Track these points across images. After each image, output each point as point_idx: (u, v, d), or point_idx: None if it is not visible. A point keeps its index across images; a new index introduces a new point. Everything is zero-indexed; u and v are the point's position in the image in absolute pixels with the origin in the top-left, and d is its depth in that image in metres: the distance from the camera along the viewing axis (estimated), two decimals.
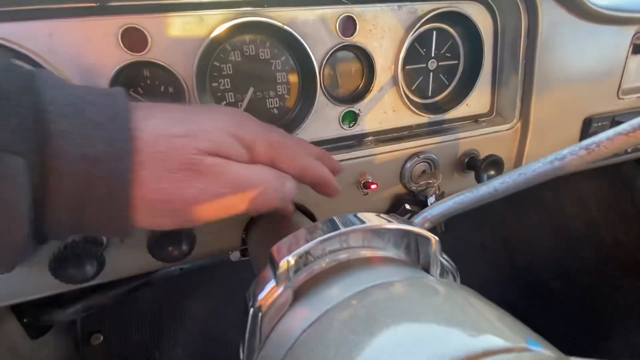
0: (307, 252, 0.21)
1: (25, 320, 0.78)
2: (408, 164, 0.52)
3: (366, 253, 0.22)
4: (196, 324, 1.15)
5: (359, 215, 0.23)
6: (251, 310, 0.19)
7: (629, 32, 0.60)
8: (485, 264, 1.34)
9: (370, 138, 0.52)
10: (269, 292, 0.19)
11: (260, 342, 0.19)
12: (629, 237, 1.16)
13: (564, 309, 1.21)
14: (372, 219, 0.22)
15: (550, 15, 0.52)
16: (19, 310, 0.77)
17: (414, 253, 0.23)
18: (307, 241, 0.20)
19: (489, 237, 1.34)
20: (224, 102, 0.46)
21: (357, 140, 0.52)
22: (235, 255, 0.72)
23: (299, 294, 0.20)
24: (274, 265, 0.19)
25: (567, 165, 0.24)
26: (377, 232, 0.24)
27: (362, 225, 0.21)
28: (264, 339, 0.19)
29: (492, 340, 0.13)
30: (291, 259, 0.19)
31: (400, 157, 0.52)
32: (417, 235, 0.22)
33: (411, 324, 0.14)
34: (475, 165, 0.54)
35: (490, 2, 0.52)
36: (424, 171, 0.54)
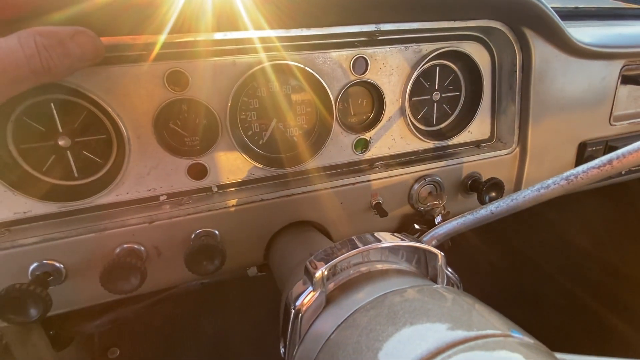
0: (335, 265, 0.26)
1: (51, 332, 0.83)
2: (415, 186, 0.57)
3: (384, 266, 0.26)
4: (209, 338, 1.18)
5: (376, 234, 0.28)
6: (293, 311, 0.23)
7: (617, 65, 0.65)
8: (493, 282, 1.36)
9: (380, 163, 0.58)
10: (307, 296, 0.23)
11: (300, 337, 0.23)
12: (636, 256, 1.17)
13: (571, 327, 1.22)
14: (388, 238, 0.27)
15: (542, 52, 0.58)
16: (47, 322, 0.81)
17: (424, 266, 0.28)
18: (337, 256, 0.25)
19: (498, 256, 1.37)
20: (250, 132, 0.51)
21: (369, 165, 0.57)
22: (252, 271, 0.77)
23: (330, 299, 0.24)
24: (310, 275, 0.24)
25: (551, 193, 0.28)
26: (392, 249, 0.28)
27: (381, 244, 0.26)
28: (304, 334, 0.23)
29: (484, 329, 0.17)
30: (325, 270, 0.23)
31: (408, 180, 0.57)
32: (426, 251, 0.27)
33: (422, 317, 0.18)
34: (478, 187, 0.58)
35: (488, 41, 0.58)
36: (430, 193, 0.59)
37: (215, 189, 0.50)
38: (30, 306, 0.38)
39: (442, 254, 0.26)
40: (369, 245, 0.26)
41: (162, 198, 0.48)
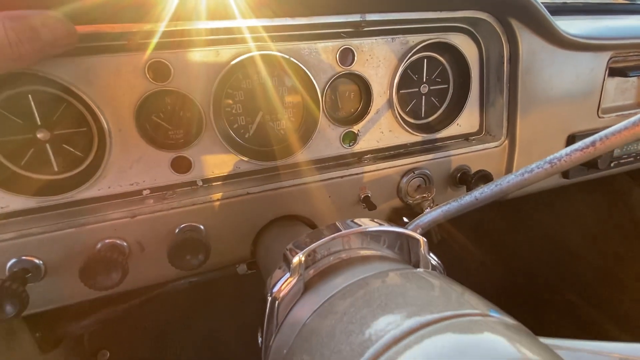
0: (314, 252, 0.25)
1: (37, 334, 0.81)
2: (404, 179, 0.57)
3: (364, 252, 0.26)
4: (201, 338, 1.17)
5: (357, 220, 0.27)
6: (269, 299, 0.23)
7: (604, 57, 0.65)
8: (482, 281, 1.35)
9: (368, 156, 0.57)
10: (284, 283, 0.23)
11: (277, 326, 0.22)
12: (628, 251, 1.18)
13: (564, 323, 1.22)
14: (369, 224, 0.26)
15: (530, 44, 0.57)
16: (32, 323, 0.79)
17: (406, 253, 0.27)
18: (314, 242, 0.24)
19: (488, 255, 1.37)
20: (236, 125, 0.51)
21: (357, 158, 0.57)
22: (242, 269, 0.76)
23: (308, 286, 0.23)
24: (288, 262, 0.23)
25: (535, 177, 0.28)
26: (374, 236, 0.28)
27: (361, 228, 0.25)
28: (280, 323, 0.22)
29: (462, 309, 0.16)
30: (302, 256, 0.23)
31: (396, 173, 0.56)
32: (409, 238, 0.26)
33: (398, 299, 0.18)
34: (467, 180, 0.58)
35: (475, 32, 0.58)
36: (419, 186, 0.58)
37: (200, 183, 0.49)
38: (5, 303, 0.36)
39: (424, 239, 0.26)
40: (349, 230, 0.25)
41: (145, 192, 0.47)
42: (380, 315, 0.17)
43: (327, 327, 0.18)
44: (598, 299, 1.17)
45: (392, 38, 0.53)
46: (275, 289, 0.23)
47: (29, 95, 0.41)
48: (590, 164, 0.65)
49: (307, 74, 0.49)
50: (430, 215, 0.31)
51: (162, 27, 0.41)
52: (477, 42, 0.59)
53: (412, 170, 0.57)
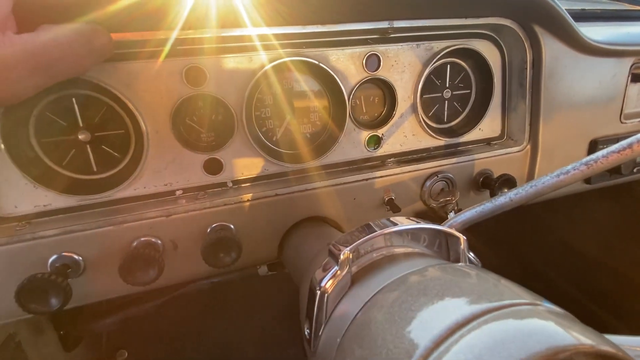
0: (357, 249, 0.26)
1: (61, 332, 0.83)
2: (428, 183, 0.57)
3: (406, 250, 0.27)
4: (217, 342, 1.18)
5: (393, 219, 0.28)
6: (318, 292, 0.24)
7: (626, 63, 0.65)
8: None
9: (392, 159, 0.58)
10: (333, 277, 0.24)
11: (326, 317, 0.23)
12: None
13: None
14: (408, 222, 0.27)
15: (553, 50, 0.58)
16: (57, 321, 0.81)
17: (445, 251, 0.28)
18: (359, 239, 0.25)
19: (505, 261, 1.36)
20: (264, 129, 0.52)
21: (381, 161, 0.58)
22: (263, 270, 0.77)
23: (354, 280, 0.24)
24: (335, 256, 0.24)
25: (571, 178, 0.29)
26: (414, 235, 0.29)
27: (404, 226, 0.26)
28: (329, 314, 0.23)
29: (515, 299, 0.17)
30: (350, 251, 0.24)
31: (420, 177, 0.57)
32: (448, 236, 0.27)
33: (454, 289, 0.19)
34: (490, 184, 0.58)
35: (498, 39, 0.59)
36: (442, 189, 0.59)
37: (230, 184, 0.51)
38: (51, 296, 0.38)
39: (465, 237, 0.27)
40: (396, 227, 0.26)
41: (178, 193, 0.49)
42: (439, 303, 0.18)
43: (383, 316, 0.19)
44: (617, 308, 1.15)
45: (417, 44, 0.54)
46: (323, 283, 0.24)
47: (73, 99, 0.43)
48: (614, 170, 0.65)
49: (334, 78, 0.50)
50: (464, 215, 0.32)
51: (197, 34, 0.43)
52: (500, 48, 0.60)
53: (435, 174, 0.58)
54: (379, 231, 0.25)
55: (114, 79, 0.43)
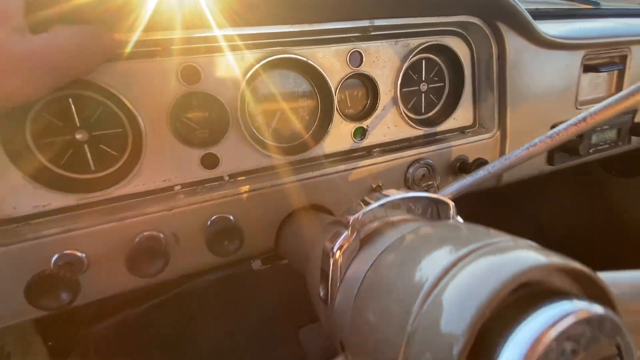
0: (360, 218, 0.29)
1: (50, 343, 0.81)
2: (410, 170, 0.62)
3: (405, 217, 0.30)
4: (211, 343, 1.17)
5: (385, 192, 0.32)
6: (332, 257, 0.27)
7: (578, 55, 0.73)
8: None
9: (377, 149, 0.62)
10: (345, 240, 0.27)
11: (340, 276, 0.26)
12: (605, 243, 1.27)
13: None
14: (403, 192, 0.31)
15: (515, 45, 0.64)
16: (45, 332, 0.79)
17: (437, 218, 0.32)
18: (364, 208, 0.28)
19: None
20: (257, 123, 0.55)
21: (367, 151, 0.62)
22: (256, 264, 0.79)
23: (362, 244, 0.28)
24: (344, 224, 0.27)
25: (537, 149, 0.33)
26: (408, 207, 0.32)
27: (404, 195, 0.30)
28: (343, 273, 0.26)
29: (503, 237, 0.21)
30: (360, 215, 0.27)
31: (403, 164, 0.62)
32: (438, 203, 0.31)
33: (455, 232, 0.22)
34: (466, 168, 0.64)
35: (467, 36, 0.65)
36: (424, 175, 0.63)
37: (227, 178, 0.53)
38: (61, 291, 0.39)
39: (453, 203, 0.30)
40: (393, 197, 0.29)
41: (176, 188, 0.50)
42: (438, 249, 0.21)
43: (391, 268, 0.23)
44: None
45: (396, 41, 0.59)
46: (336, 247, 0.27)
47: (70, 99, 0.44)
48: (572, 151, 0.72)
49: (322, 74, 0.53)
50: (452, 187, 0.36)
51: (192, 34, 0.45)
52: (469, 44, 0.66)
53: (416, 161, 0.62)
54: (382, 200, 0.29)
55: (112, 78, 0.44)
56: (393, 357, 0.21)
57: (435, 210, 0.32)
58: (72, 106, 0.44)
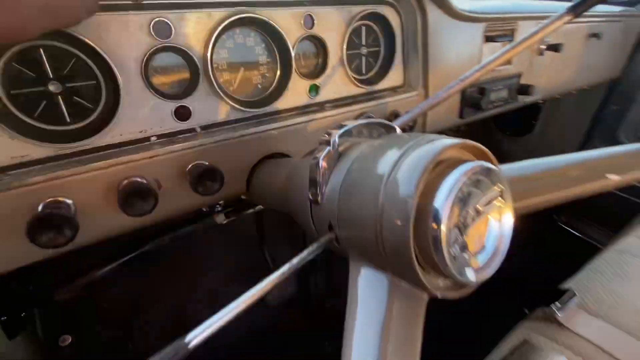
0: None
1: (3, 318, 0.78)
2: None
3: (364, 138, 0.41)
4: (168, 312, 1.20)
5: (347, 122, 0.42)
6: (320, 164, 0.36)
7: (481, 27, 0.90)
8: None
9: (329, 104, 0.72)
10: (327, 154, 0.36)
11: (326, 179, 0.36)
12: None
13: None
14: (360, 121, 0.41)
15: (434, 16, 0.78)
16: None
17: None
18: (339, 130, 0.38)
19: None
20: (222, 79, 0.60)
21: (320, 107, 0.71)
22: (220, 218, 0.85)
23: (340, 156, 0.37)
24: (326, 141, 0.37)
25: (454, 90, 0.46)
26: (369, 131, 0.43)
27: (366, 120, 0.40)
28: (328, 177, 0.36)
29: (435, 136, 0.33)
30: (337, 136, 0.37)
31: (351, 117, 0.72)
32: (387, 127, 0.42)
33: (399, 139, 0.33)
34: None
35: (398, 7, 0.76)
36: None
37: (199, 130, 0.58)
38: (62, 227, 0.42)
39: (399, 128, 0.42)
40: (360, 122, 0.40)
41: (152, 139, 0.54)
42: (393, 146, 0.32)
43: (364, 166, 0.33)
44: None
45: (341, 8, 0.68)
46: (322, 158, 0.36)
47: (41, 49, 0.45)
48: (477, 107, 0.91)
49: (281, 34, 0.60)
50: (402, 118, 0.47)
51: None
52: (399, 14, 0.77)
53: (361, 114, 0.74)
54: (349, 125, 0.39)
55: (86, 30, 0.46)
56: (372, 224, 0.31)
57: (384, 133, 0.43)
58: (44, 57, 0.45)
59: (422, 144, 0.32)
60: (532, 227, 1.97)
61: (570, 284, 0.88)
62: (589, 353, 0.68)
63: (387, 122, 0.42)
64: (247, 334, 1.18)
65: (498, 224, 0.31)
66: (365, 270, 0.32)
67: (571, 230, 2.00)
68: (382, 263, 0.31)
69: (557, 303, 0.77)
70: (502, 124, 1.98)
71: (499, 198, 0.31)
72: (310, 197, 0.38)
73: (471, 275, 0.29)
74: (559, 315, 0.75)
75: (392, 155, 0.32)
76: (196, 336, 0.27)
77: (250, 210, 0.88)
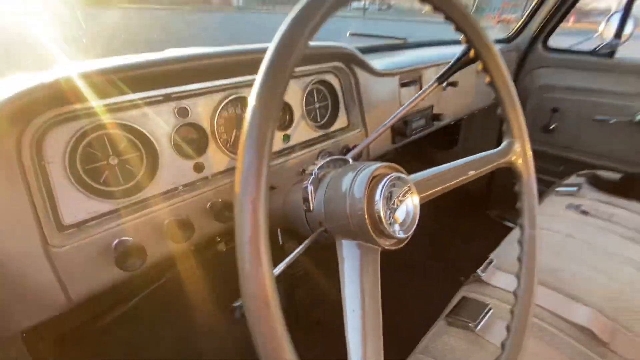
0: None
1: None
2: (319, 157, 0.99)
3: (332, 169, 0.66)
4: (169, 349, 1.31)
5: (318, 161, 0.68)
6: (309, 187, 0.60)
7: (396, 78, 1.24)
8: None
9: (297, 147, 0.97)
10: (312, 181, 0.61)
11: (314, 195, 0.60)
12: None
13: None
14: (327, 159, 0.67)
15: (362, 76, 1.09)
16: None
17: None
18: (316, 166, 0.63)
19: None
20: (222, 140, 0.83)
21: (291, 149, 0.96)
22: (221, 246, 1.05)
23: (318, 181, 0.62)
24: (310, 173, 0.61)
25: (386, 128, 0.74)
26: (333, 163, 0.69)
27: (332, 157, 0.66)
28: (314, 195, 0.60)
29: (373, 163, 0.59)
30: (316, 169, 0.61)
31: (315, 153, 0.99)
32: (344, 160, 0.68)
33: (351, 167, 0.59)
34: (349, 152, 1.05)
35: (337, 73, 1.06)
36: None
37: (210, 177, 0.80)
38: (137, 254, 0.61)
39: (350, 157, 0.68)
40: (327, 159, 0.65)
41: (180, 188, 0.75)
42: (348, 171, 0.58)
43: (335, 183, 0.58)
44: None
45: (298, 80, 0.96)
46: (309, 183, 0.60)
47: (104, 136, 0.66)
48: (403, 134, 1.23)
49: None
50: (356, 149, 0.74)
51: (183, 88, 0.72)
52: (339, 78, 1.08)
53: (322, 151, 1.00)
54: (321, 162, 0.64)
55: (134, 119, 0.67)
56: (345, 215, 0.56)
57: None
58: (106, 141, 0.66)
59: (365, 169, 0.58)
60: (471, 223, 2.35)
61: (492, 255, 1.19)
62: (502, 296, 0.97)
63: (342, 157, 0.68)
64: (242, 343, 1.33)
65: (410, 205, 0.57)
66: (345, 242, 0.57)
67: (501, 221, 2.41)
68: (354, 236, 0.56)
69: (480, 269, 1.07)
70: (434, 142, 2.39)
71: (408, 192, 0.58)
72: (305, 208, 0.62)
73: (399, 233, 0.55)
74: (482, 275, 1.04)
75: (349, 176, 0.57)
76: None
77: None
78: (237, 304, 0.58)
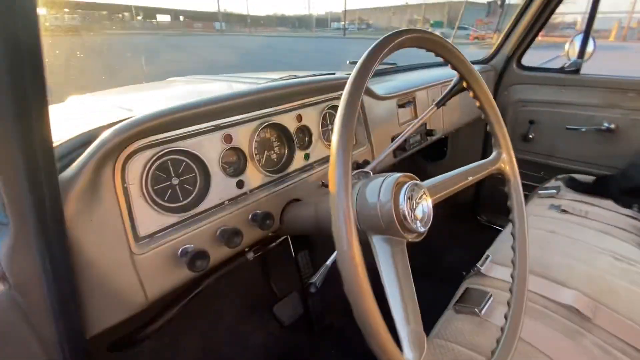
0: None
1: None
2: None
3: (359, 180, 0.81)
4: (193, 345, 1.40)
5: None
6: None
7: (395, 100, 1.42)
8: None
9: (316, 163, 1.12)
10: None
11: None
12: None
13: None
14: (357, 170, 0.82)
15: (367, 101, 1.26)
16: None
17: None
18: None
19: None
20: (256, 159, 0.97)
21: (311, 166, 1.11)
22: (250, 255, 1.17)
23: None
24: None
25: (389, 151, 0.89)
26: (357, 175, 0.83)
27: (358, 170, 0.80)
28: None
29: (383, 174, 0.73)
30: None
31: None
32: (365, 172, 0.83)
33: (372, 179, 0.73)
34: (363, 166, 1.20)
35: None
36: None
37: (249, 192, 0.93)
38: (204, 257, 0.74)
39: (371, 172, 0.83)
40: (358, 170, 0.79)
41: (225, 202, 0.88)
42: (372, 180, 0.73)
43: (365, 189, 0.73)
44: None
45: (314, 107, 1.11)
46: None
47: (168, 161, 0.79)
48: (403, 149, 1.39)
49: (287, 128, 1.01)
50: (373, 163, 0.89)
51: (229, 118, 0.87)
52: None
53: None
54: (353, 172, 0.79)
55: (191, 146, 0.81)
56: (376, 215, 0.70)
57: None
58: (169, 164, 0.79)
59: (388, 178, 0.72)
60: (464, 228, 2.51)
61: (488, 251, 1.34)
62: (501, 285, 1.12)
63: (364, 170, 0.83)
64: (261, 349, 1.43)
65: (425, 205, 0.72)
66: (376, 237, 0.70)
67: (491, 225, 2.58)
68: (384, 231, 0.70)
69: (479, 263, 1.22)
70: (425, 154, 2.58)
71: (423, 195, 0.73)
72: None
73: (420, 228, 0.69)
74: (482, 269, 1.19)
75: (377, 184, 0.72)
76: None
77: (273, 244, 1.21)
78: (313, 280, 0.70)
